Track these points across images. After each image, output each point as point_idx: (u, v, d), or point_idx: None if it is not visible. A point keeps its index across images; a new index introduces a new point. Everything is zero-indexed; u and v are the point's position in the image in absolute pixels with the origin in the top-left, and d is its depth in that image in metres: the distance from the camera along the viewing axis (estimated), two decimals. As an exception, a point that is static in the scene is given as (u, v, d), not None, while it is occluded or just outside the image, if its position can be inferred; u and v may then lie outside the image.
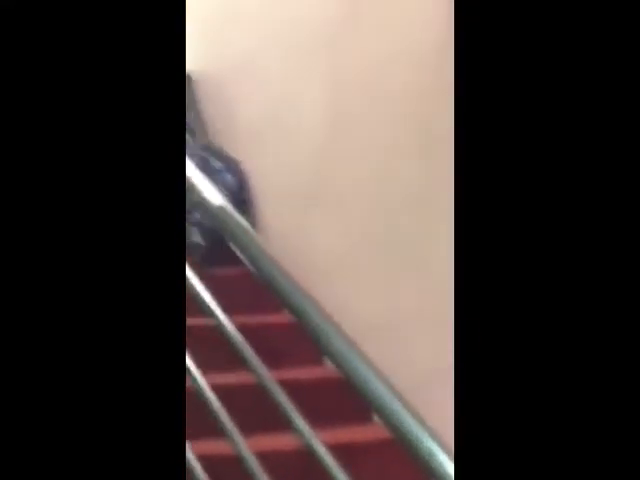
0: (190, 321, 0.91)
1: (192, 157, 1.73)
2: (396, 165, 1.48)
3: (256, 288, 1.06)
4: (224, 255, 1.07)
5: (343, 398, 1.28)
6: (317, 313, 0.80)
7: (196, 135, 1.84)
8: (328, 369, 1.42)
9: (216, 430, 1.08)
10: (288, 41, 1.80)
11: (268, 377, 1.04)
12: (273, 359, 1.21)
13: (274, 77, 1.63)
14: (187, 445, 1.04)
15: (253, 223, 1.77)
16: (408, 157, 1.47)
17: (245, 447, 1.01)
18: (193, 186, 1.01)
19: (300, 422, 0.98)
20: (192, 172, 0.99)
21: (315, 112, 1.57)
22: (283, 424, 1.02)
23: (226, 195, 1.74)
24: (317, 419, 1.05)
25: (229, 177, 1.68)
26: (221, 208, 0.97)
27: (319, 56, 1.71)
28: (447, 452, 0.66)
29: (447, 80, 1.17)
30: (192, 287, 1.10)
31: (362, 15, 1.60)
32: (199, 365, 1.14)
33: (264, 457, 1.02)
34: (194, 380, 1.13)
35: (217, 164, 1.69)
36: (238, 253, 0.89)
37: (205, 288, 1.10)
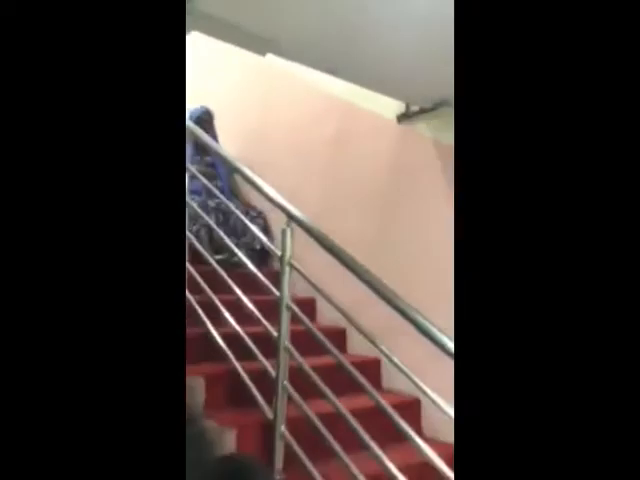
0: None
1: (238, 207, 2.62)
2: (363, 225, 2.46)
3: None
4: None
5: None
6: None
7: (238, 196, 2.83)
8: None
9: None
10: (299, 153, 2.88)
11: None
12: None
13: (288, 172, 2.66)
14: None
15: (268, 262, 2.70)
16: (372, 221, 2.48)
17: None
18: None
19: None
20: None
21: (314, 192, 2.56)
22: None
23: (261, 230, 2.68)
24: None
25: (261, 221, 2.57)
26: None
27: (318, 162, 2.81)
28: (448, 337, 1.34)
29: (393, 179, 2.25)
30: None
31: (343, 141, 2.72)
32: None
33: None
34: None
35: (253, 213, 2.59)
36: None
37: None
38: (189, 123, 2.36)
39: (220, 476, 0.68)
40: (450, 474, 1.33)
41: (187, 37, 2.07)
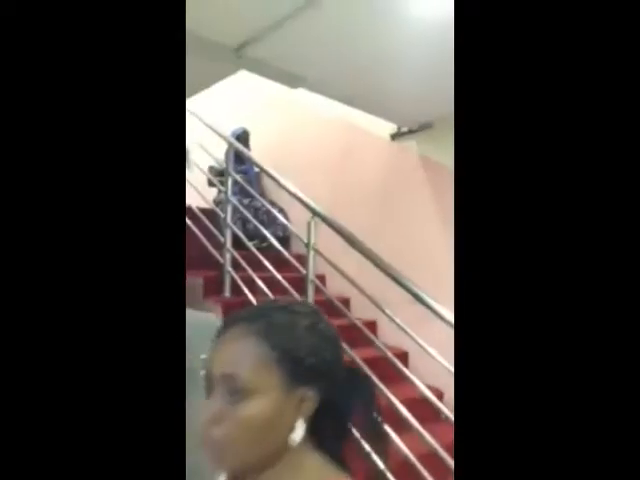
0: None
1: (263, 206, 3.22)
2: (364, 220, 3.08)
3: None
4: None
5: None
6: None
7: (264, 196, 3.42)
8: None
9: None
10: (312, 163, 3.51)
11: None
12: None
13: (305, 178, 3.26)
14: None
15: (289, 247, 3.28)
16: (371, 217, 3.10)
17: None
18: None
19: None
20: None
21: (324, 194, 3.17)
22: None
23: (281, 227, 3.28)
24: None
25: (283, 215, 3.16)
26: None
27: (328, 170, 3.44)
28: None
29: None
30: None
31: (348, 154, 3.33)
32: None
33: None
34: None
35: (276, 209, 3.18)
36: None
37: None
38: (232, 139, 2.96)
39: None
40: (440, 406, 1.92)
41: (234, 75, 2.64)
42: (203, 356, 0.61)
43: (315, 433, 0.61)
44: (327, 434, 0.62)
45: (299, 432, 0.58)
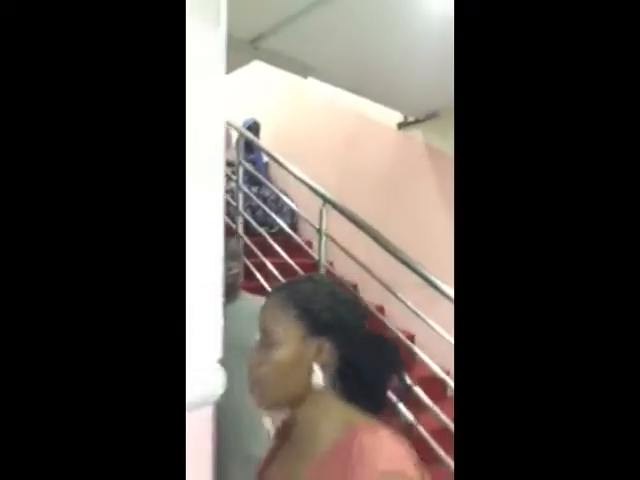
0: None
1: (272, 194, 3.30)
2: (371, 206, 3.16)
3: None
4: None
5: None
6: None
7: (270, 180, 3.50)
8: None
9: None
10: (319, 151, 3.56)
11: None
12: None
13: (313, 165, 3.33)
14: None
15: (297, 234, 3.36)
16: (378, 203, 3.18)
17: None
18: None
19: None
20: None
21: (332, 181, 3.25)
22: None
23: (289, 215, 3.36)
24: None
25: (292, 204, 3.24)
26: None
27: (335, 158, 3.50)
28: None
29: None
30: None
31: (356, 142, 3.39)
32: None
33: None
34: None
35: (286, 198, 3.26)
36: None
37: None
38: (243, 129, 3.03)
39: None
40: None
41: (247, 65, 2.70)
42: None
43: (341, 385, 0.73)
44: (353, 388, 0.74)
45: (318, 375, 0.71)
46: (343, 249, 2.44)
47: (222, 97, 0.80)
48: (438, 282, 2.04)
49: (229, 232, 2.82)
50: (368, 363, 0.74)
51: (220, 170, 0.80)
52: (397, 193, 3.22)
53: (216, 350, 0.74)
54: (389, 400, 0.78)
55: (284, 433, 0.81)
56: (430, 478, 0.66)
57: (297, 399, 0.73)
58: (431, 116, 3.02)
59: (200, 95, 0.76)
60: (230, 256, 1.59)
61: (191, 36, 0.73)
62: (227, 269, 1.56)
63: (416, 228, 3.04)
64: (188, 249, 0.70)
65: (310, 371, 0.72)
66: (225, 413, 1.26)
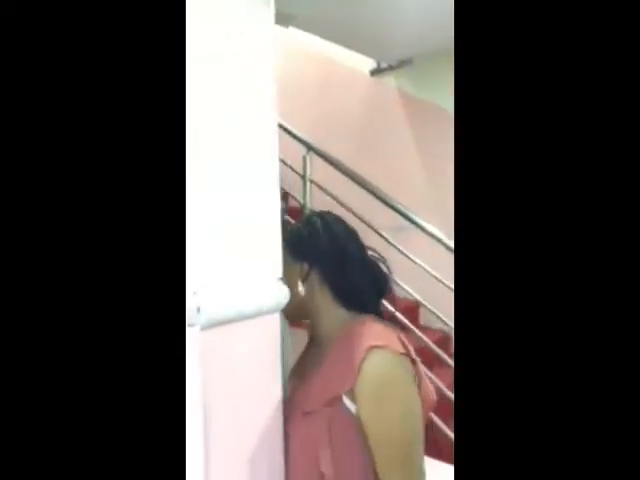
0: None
1: None
2: (345, 152, 3.30)
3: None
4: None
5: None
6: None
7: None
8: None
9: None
10: (291, 96, 3.62)
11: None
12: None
13: (284, 112, 3.41)
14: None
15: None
16: (352, 148, 3.32)
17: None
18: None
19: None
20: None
21: (305, 128, 3.36)
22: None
23: None
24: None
25: None
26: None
27: (308, 104, 3.59)
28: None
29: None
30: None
31: (329, 87, 3.46)
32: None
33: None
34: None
35: None
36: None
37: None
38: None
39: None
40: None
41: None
42: None
43: (336, 296, 0.95)
44: (348, 299, 0.95)
45: (300, 288, 0.93)
46: (329, 193, 2.61)
47: (272, 79, 0.90)
48: (422, 221, 2.24)
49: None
50: (364, 284, 0.96)
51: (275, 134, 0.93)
52: (370, 139, 3.38)
53: (278, 268, 0.90)
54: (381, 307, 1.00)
55: (309, 339, 1.05)
56: (411, 345, 0.88)
57: (302, 309, 0.95)
58: (404, 63, 3.15)
59: (252, 77, 0.85)
60: None
61: (243, 13, 0.83)
62: None
63: (388, 173, 3.22)
64: (250, 172, 0.85)
65: (311, 291, 0.94)
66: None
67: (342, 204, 2.54)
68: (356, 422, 0.81)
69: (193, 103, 0.73)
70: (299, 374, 0.98)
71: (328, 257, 0.95)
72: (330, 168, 2.55)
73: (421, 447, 0.83)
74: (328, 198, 2.58)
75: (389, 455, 0.81)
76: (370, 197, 2.40)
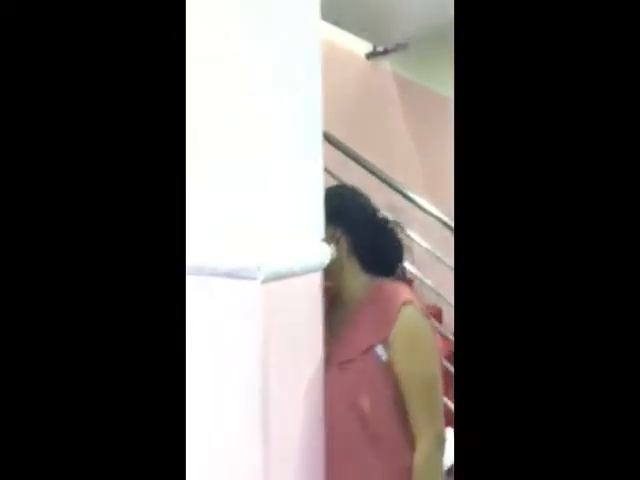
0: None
1: None
2: (341, 134, 3.41)
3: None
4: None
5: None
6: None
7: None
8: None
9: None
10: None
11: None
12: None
13: None
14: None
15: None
16: (347, 131, 3.42)
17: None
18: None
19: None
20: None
21: None
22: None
23: None
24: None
25: None
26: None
27: None
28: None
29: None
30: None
31: (324, 71, 3.57)
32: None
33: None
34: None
35: None
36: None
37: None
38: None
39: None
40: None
41: None
42: None
43: (361, 262, 1.06)
44: (374, 264, 1.06)
45: (332, 251, 1.01)
46: (331, 174, 2.70)
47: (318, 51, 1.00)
48: (417, 198, 2.36)
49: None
50: (388, 249, 1.08)
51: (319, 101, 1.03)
52: (365, 121, 3.46)
53: (320, 229, 1.01)
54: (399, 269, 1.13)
55: (330, 300, 1.15)
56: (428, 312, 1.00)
57: (332, 274, 1.04)
58: (400, 47, 3.23)
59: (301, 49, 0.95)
60: None
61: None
62: None
63: (383, 156, 3.33)
64: (295, 145, 0.94)
65: (340, 255, 1.03)
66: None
67: (339, 181, 2.64)
68: (388, 367, 0.93)
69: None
70: (328, 331, 1.09)
71: (357, 225, 1.07)
72: (328, 147, 2.63)
73: (442, 387, 0.95)
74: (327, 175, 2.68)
75: (418, 395, 0.93)
76: (366, 177, 2.50)
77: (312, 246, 0.98)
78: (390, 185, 2.45)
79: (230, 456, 0.88)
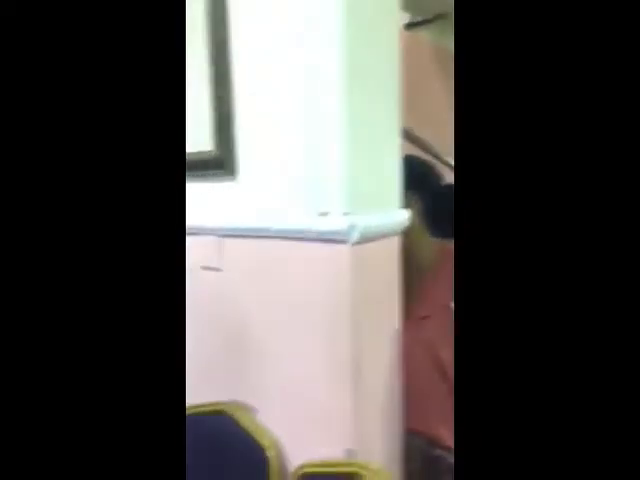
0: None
1: None
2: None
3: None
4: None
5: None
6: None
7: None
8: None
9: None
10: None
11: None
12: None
13: None
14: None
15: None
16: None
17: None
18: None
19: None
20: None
21: None
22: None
23: None
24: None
25: None
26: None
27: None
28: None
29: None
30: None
31: None
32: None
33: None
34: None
35: None
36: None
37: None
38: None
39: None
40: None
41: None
42: None
43: (431, 225, 1.17)
44: (440, 227, 1.16)
45: (410, 210, 1.09)
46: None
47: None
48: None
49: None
50: (450, 210, 1.13)
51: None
52: (406, 86, 3.47)
53: (399, 195, 1.08)
54: None
55: (406, 260, 1.23)
56: None
57: (407, 235, 1.10)
58: (437, 17, 3.21)
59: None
60: None
61: None
62: None
63: (424, 127, 3.34)
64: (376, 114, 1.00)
65: (412, 219, 1.10)
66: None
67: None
68: None
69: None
70: (406, 289, 1.17)
71: (429, 191, 1.13)
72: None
73: None
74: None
75: None
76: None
77: (392, 211, 1.05)
78: (436, 156, 2.48)
79: (323, 398, 0.97)
